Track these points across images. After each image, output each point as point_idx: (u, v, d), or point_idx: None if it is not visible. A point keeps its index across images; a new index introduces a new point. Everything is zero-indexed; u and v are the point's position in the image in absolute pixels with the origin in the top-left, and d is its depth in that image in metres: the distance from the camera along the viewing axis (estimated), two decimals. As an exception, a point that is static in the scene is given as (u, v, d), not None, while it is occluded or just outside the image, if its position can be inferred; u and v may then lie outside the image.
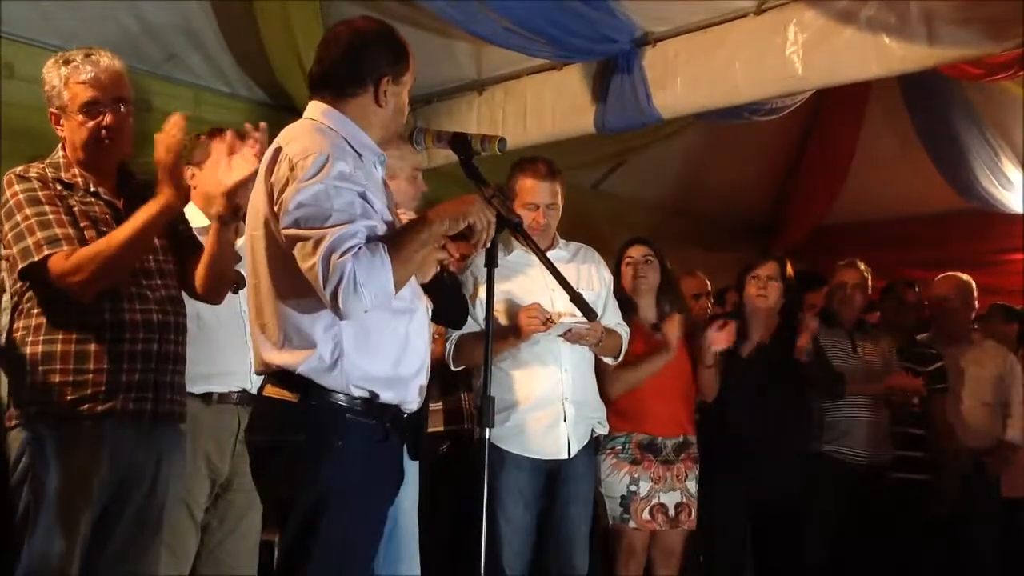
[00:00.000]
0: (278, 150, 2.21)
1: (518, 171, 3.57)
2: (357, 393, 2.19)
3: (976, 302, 5.17)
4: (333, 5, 4.61)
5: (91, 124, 2.58)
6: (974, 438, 4.88)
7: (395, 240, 2.17)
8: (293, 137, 2.22)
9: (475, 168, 2.34)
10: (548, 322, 3.32)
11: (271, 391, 2.24)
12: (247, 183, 2.38)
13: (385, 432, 2.24)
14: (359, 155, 2.25)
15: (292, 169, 2.14)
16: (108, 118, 2.59)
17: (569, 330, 3.42)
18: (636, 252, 4.03)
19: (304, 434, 2.17)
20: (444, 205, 2.25)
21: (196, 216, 3.14)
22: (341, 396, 2.18)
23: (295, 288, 2.18)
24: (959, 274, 5.17)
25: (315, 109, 2.31)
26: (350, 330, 2.18)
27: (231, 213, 2.49)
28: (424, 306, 2.40)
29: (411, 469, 3.06)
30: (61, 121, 2.62)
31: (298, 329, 2.19)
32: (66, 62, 2.60)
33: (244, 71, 4.91)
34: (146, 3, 4.39)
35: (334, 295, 2.06)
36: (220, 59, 4.81)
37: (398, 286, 2.14)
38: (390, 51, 2.31)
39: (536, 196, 3.52)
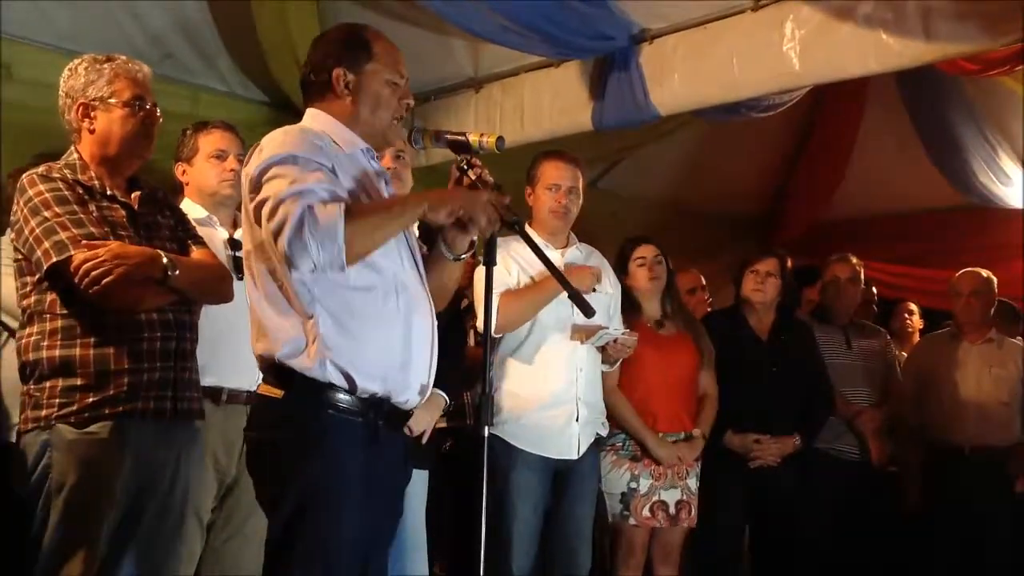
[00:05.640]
0: (253, 147, 2.24)
1: (540, 158, 3.65)
2: (335, 379, 2.14)
3: (996, 299, 4.99)
4: (329, 4, 4.61)
5: (140, 116, 2.62)
6: (993, 436, 4.71)
7: (363, 206, 2.17)
8: (270, 135, 2.26)
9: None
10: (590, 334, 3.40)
11: (263, 388, 2.23)
12: None
13: (374, 430, 2.20)
14: (340, 148, 2.26)
15: (261, 151, 2.18)
16: (154, 115, 2.66)
17: (615, 340, 3.49)
18: (648, 252, 4.01)
19: (288, 431, 2.16)
20: (434, 191, 2.24)
21: (192, 209, 3.20)
22: (324, 389, 2.15)
23: (275, 274, 2.18)
24: (979, 270, 5.01)
25: (305, 115, 2.36)
26: (328, 312, 2.15)
27: None
28: (428, 300, 2.34)
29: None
30: (93, 113, 2.61)
31: (278, 315, 2.18)
32: (109, 59, 2.64)
33: (241, 70, 4.92)
34: (144, 3, 4.39)
35: (277, 234, 2.05)
36: (217, 58, 4.82)
37: (356, 250, 2.07)
38: (345, 44, 2.32)
39: (558, 177, 3.58)
